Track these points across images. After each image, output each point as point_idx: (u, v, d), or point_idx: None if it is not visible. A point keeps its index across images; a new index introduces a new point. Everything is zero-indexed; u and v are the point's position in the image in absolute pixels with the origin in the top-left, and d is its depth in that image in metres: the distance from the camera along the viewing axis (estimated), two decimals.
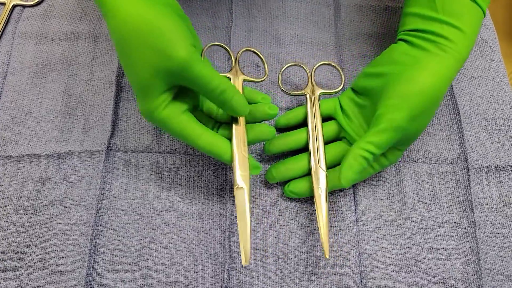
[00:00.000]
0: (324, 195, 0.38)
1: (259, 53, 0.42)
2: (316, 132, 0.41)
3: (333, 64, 0.44)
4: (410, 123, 0.36)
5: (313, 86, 0.43)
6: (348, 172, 0.36)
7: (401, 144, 0.38)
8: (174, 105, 0.35)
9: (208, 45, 0.40)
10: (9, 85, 0.45)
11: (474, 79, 0.48)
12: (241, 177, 0.36)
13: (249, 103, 0.39)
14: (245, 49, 0.42)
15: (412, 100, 0.36)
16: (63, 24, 0.49)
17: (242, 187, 0.36)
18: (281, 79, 0.46)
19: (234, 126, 0.38)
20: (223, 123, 0.40)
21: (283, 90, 0.42)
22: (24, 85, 0.45)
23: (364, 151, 0.36)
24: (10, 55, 0.47)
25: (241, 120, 0.38)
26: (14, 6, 0.49)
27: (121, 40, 0.33)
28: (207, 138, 0.36)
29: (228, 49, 0.41)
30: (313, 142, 0.40)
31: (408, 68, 0.37)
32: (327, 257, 0.35)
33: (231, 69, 0.41)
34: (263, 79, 0.41)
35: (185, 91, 0.36)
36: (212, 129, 0.39)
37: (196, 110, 0.39)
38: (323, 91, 0.43)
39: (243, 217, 0.35)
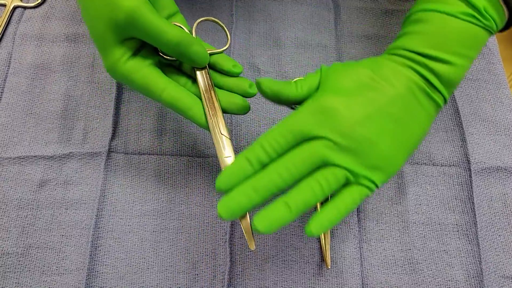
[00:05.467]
0: None
1: (218, 22, 0.39)
2: None
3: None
4: None
5: None
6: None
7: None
8: (137, 59, 0.34)
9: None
10: (10, 86, 0.45)
11: (474, 82, 0.48)
12: (226, 160, 0.34)
13: (220, 71, 0.37)
14: (203, 19, 0.39)
15: None
16: (64, 26, 0.49)
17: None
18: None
19: (199, 76, 0.35)
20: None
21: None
22: (24, 87, 0.45)
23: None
24: (10, 57, 0.47)
25: (205, 74, 0.36)
26: (15, 8, 0.49)
27: None
28: (171, 92, 0.34)
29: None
30: None
31: None
32: (329, 267, 0.37)
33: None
34: (225, 48, 0.38)
35: (148, 45, 0.35)
36: (185, 85, 0.36)
37: (167, 67, 0.37)
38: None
39: None
